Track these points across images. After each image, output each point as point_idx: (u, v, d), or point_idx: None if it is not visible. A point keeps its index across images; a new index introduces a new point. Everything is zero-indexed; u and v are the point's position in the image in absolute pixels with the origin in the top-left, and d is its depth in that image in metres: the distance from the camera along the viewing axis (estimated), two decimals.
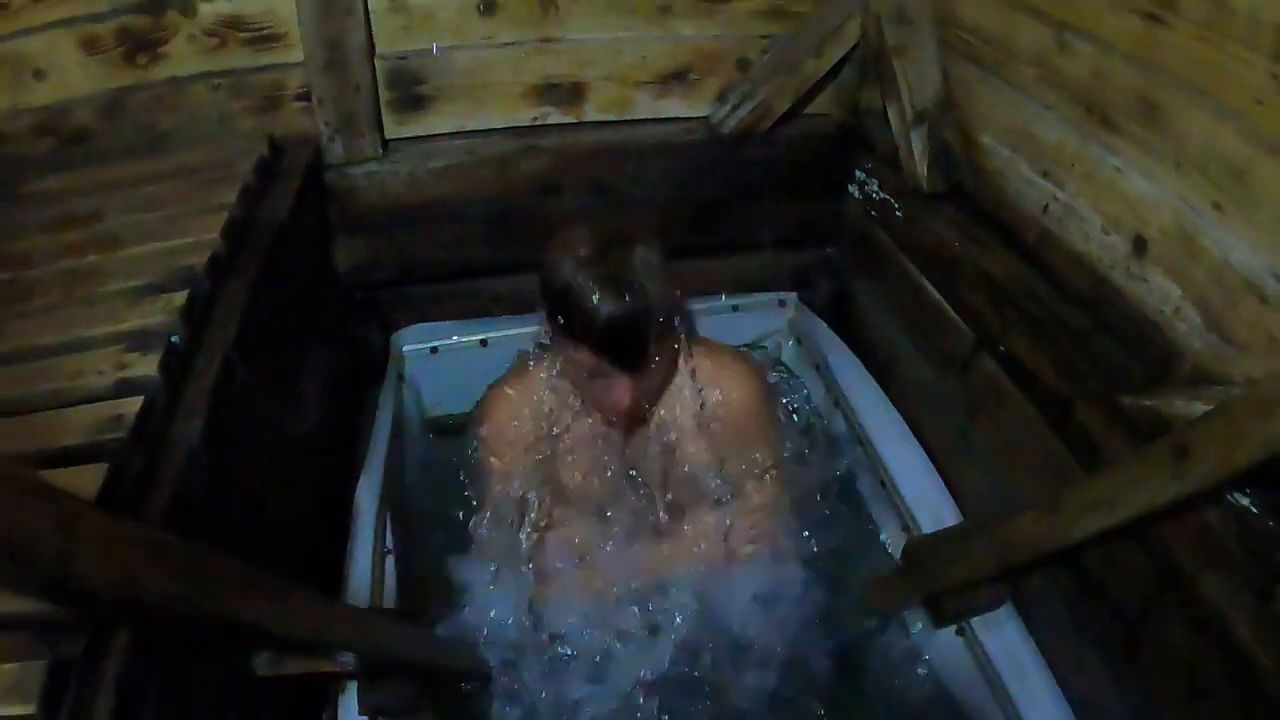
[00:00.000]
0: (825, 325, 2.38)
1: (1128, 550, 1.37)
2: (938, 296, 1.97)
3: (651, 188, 2.27)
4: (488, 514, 1.81)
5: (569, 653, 1.79)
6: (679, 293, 1.64)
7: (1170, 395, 1.32)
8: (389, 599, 1.76)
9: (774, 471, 1.85)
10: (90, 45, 1.93)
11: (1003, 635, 1.66)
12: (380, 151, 2.14)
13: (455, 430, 2.25)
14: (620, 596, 1.79)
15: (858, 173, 2.31)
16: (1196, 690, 1.29)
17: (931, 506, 1.87)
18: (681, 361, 1.77)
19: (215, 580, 0.90)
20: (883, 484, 2.01)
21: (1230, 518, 1.20)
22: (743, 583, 1.83)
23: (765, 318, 2.53)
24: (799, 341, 2.46)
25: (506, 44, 2.11)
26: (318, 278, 2.16)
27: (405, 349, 2.35)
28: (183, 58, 2.00)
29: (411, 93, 2.14)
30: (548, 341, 1.69)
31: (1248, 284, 1.28)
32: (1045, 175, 1.72)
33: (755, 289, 2.50)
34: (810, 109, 2.33)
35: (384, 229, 2.21)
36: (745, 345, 2.47)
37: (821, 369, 2.31)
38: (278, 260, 1.72)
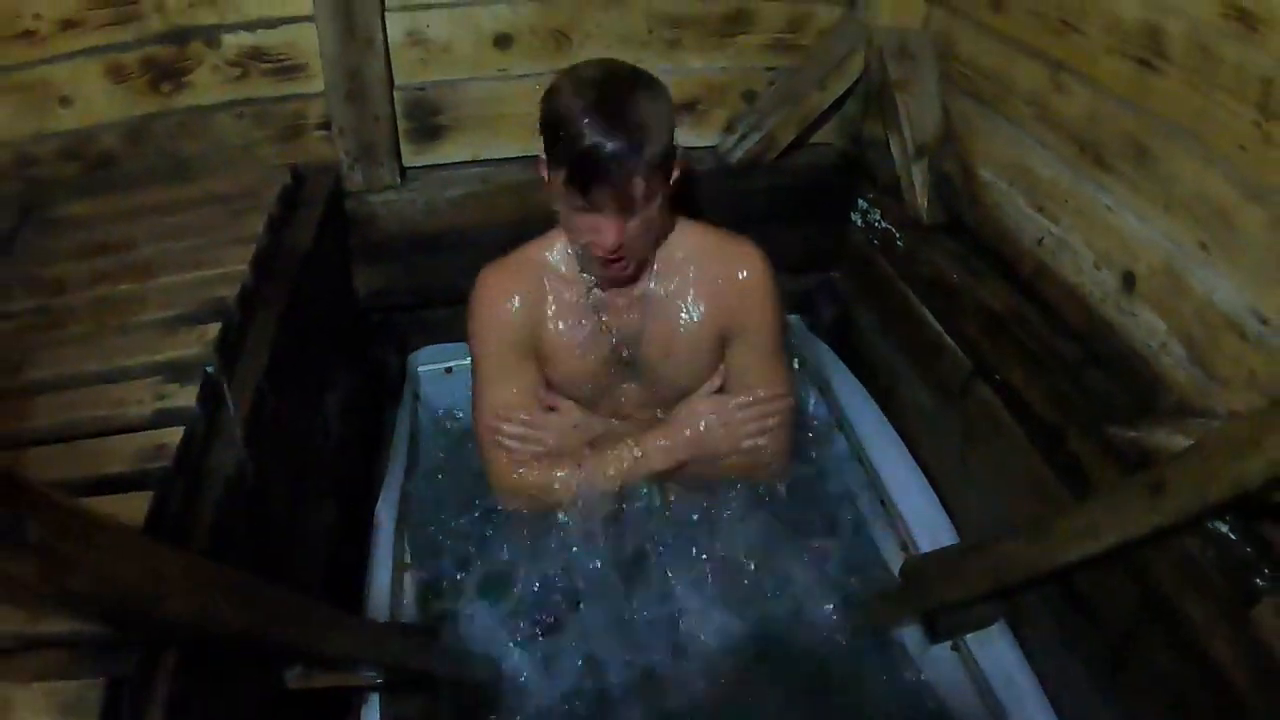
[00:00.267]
0: (828, 348, 2.42)
1: (1114, 573, 1.42)
2: (936, 325, 2.02)
3: None
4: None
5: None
6: (678, 147, 1.59)
7: (1155, 427, 1.38)
8: (408, 612, 1.82)
9: (778, 358, 1.82)
10: (116, 73, 1.98)
11: (996, 652, 1.70)
12: (398, 180, 2.21)
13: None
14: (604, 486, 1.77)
15: (860, 202, 2.37)
16: (1179, 708, 1.34)
17: (929, 526, 1.90)
18: (682, 234, 1.74)
19: (271, 609, 0.97)
20: (882, 503, 2.05)
21: (1210, 544, 1.26)
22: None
23: None
24: (803, 363, 2.49)
25: (521, 76, 2.17)
26: (338, 302, 2.22)
27: (421, 369, 2.41)
28: (206, 87, 2.06)
29: (429, 123, 2.21)
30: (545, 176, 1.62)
31: (1230, 322, 1.34)
32: (1041, 210, 1.78)
33: None
34: (815, 139, 2.39)
35: (402, 255, 2.27)
36: None
37: (824, 390, 2.35)
38: (302, 288, 1.78)
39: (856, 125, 2.36)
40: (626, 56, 2.17)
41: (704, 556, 2.02)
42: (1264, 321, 1.29)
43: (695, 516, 1.99)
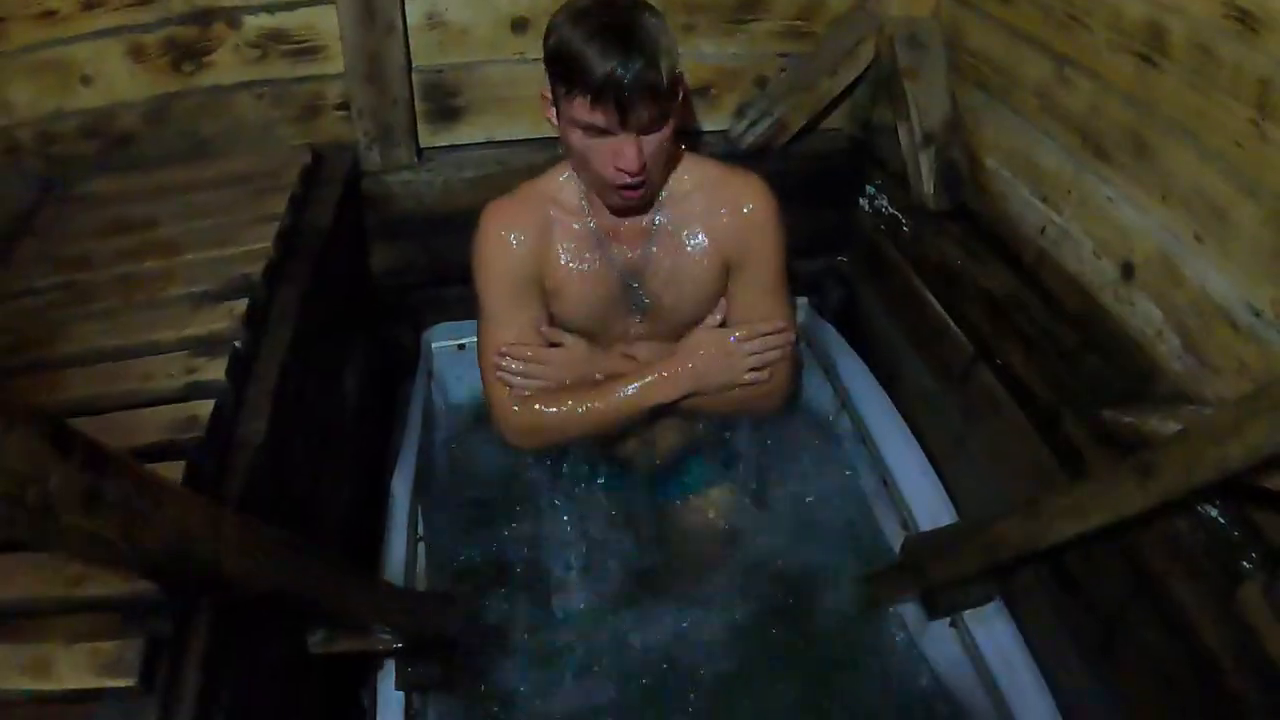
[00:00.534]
0: (834, 330, 2.46)
1: (1107, 554, 1.47)
2: (940, 309, 2.06)
3: None
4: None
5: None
6: (681, 72, 1.58)
7: (1148, 413, 1.42)
8: (421, 582, 1.88)
9: (780, 292, 1.82)
10: (137, 54, 2.02)
11: (993, 629, 1.75)
12: (415, 160, 2.25)
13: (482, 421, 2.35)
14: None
15: (868, 187, 2.40)
16: (1166, 684, 1.39)
17: (929, 506, 1.95)
18: (689, 167, 1.75)
19: (310, 568, 1.04)
20: (884, 482, 2.10)
21: (1198, 526, 1.32)
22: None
23: None
24: (809, 344, 2.53)
25: (537, 59, 2.16)
26: (355, 280, 2.27)
27: (434, 346, 2.45)
28: (226, 67, 2.09)
29: (446, 104, 2.24)
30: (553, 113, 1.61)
31: (1223, 312, 1.39)
32: (1044, 199, 1.82)
33: None
34: (825, 125, 2.42)
35: (417, 234, 2.31)
36: None
37: (830, 371, 2.39)
38: (323, 266, 1.83)
39: (866, 112, 2.39)
40: None
41: (708, 534, 2.08)
42: (1256, 313, 1.33)
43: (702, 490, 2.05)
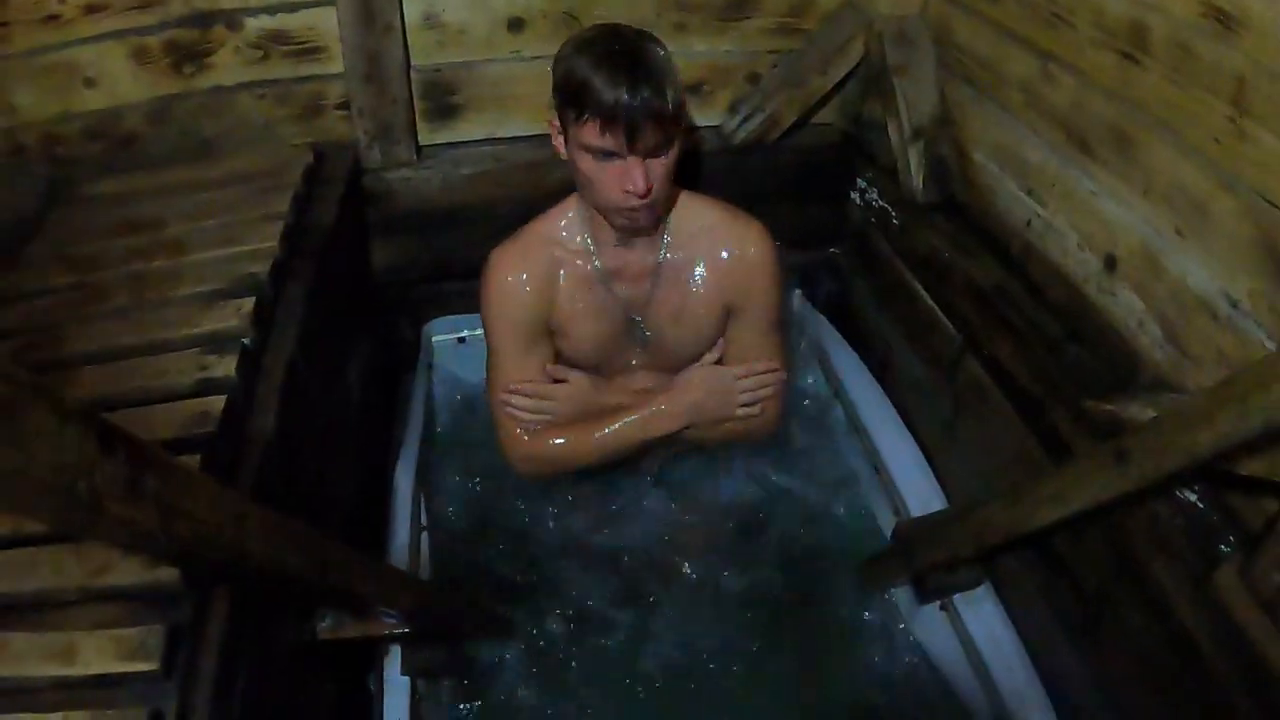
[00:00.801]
0: (827, 321, 2.49)
1: (1091, 538, 1.52)
2: (929, 300, 2.09)
3: None
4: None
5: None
6: (684, 99, 1.63)
7: (1129, 401, 1.47)
8: (425, 570, 1.92)
9: (776, 334, 1.88)
10: (140, 56, 2.04)
11: (981, 612, 1.79)
12: (415, 158, 2.28)
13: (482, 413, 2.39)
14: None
15: (859, 181, 2.43)
16: (1148, 662, 1.44)
17: (920, 492, 1.99)
18: (696, 209, 1.81)
19: (325, 553, 1.09)
20: (876, 470, 2.14)
21: (1178, 511, 1.37)
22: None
23: None
24: (802, 335, 2.57)
25: (534, 58, 2.23)
26: (357, 276, 2.30)
27: (435, 339, 2.49)
28: (228, 68, 2.12)
29: (444, 102, 2.27)
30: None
31: (1202, 303, 1.43)
32: (1029, 193, 1.86)
33: None
34: (816, 120, 2.45)
35: (417, 230, 2.34)
36: None
37: (823, 362, 2.44)
38: (327, 263, 1.86)
39: (856, 107, 2.42)
40: None
41: (705, 521, 2.13)
42: (1234, 304, 1.37)
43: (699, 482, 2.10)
